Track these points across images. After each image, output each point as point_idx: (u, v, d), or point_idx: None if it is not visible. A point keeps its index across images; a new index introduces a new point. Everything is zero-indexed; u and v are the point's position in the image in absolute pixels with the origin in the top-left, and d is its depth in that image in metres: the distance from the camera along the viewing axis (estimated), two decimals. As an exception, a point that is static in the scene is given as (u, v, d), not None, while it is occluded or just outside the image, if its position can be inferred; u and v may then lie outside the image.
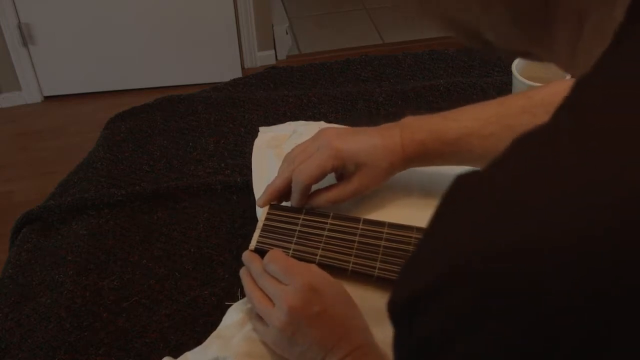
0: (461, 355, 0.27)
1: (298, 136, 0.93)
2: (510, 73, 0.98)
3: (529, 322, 0.25)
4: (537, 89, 0.79)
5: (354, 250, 0.74)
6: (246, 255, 0.74)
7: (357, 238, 0.75)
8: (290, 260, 0.70)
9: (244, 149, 1.00)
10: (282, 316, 0.65)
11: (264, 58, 2.83)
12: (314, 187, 0.79)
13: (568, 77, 0.96)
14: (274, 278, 0.69)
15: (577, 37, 0.33)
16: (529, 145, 0.28)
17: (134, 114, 1.11)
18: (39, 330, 0.79)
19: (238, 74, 2.68)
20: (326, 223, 0.77)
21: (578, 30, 0.33)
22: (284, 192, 0.79)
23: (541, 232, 0.25)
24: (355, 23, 3.10)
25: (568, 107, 0.29)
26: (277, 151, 0.91)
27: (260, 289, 0.69)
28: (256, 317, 0.70)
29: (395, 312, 0.30)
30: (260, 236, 0.77)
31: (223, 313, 0.75)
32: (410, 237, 0.74)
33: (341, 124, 0.98)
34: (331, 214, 0.77)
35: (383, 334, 0.67)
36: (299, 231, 0.76)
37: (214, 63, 2.71)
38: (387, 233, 0.75)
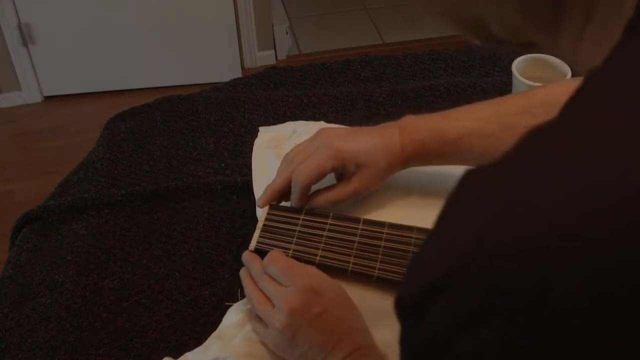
0: (466, 352, 0.27)
1: (298, 136, 0.93)
2: (510, 73, 0.98)
3: (533, 321, 0.25)
4: (537, 89, 0.79)
5: (354, 251, 0.74)
6: (246, 256, 0.74)
7: (357, 238, 0.75)
8: (290, 262, 0.70)
9: (244, 149, 1.00)
10: (282, 317, 0.65)
11: (264, 58, 2.83)
12: (314, 187, 0.79)
13: (568, 77, 0.96)
14: (274, 279, 0.69)
15: (582, 29, 0.33)
16: (535, 143, 0.28)
17: (134, 114, 1.11)
18: (39, 330, 0.79)
19: (238, 74, 2.68)
20: (326, 223, 0.77)
21: (584, 23, 0.32)
22: (284, 193, 0.79)
23: (546, 233, 0.25)
24: (355, 23, 3.10)
25: (575, 104, 0.29)
26: (277, 151, 0.91)
27: (261, 290, 0.69)
28: (256, 318, 0.70)
29: (402, 309, 0.30)
30: (260, 236, 0.77)
31: (223, 313, 0.75)
32: (410, 237, 0.74)
33: (341, 124, 0.98)
34: (331, 214, 0.77)
35: (382, 334, 0.67)
36: (299, 231, 0.76)
37: (214, 63, 2.71)
38: (387, 233, 0.75)
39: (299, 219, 0.77)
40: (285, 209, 0.79)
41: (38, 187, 2.23)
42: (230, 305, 0.76)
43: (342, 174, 0.79)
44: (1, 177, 2.37)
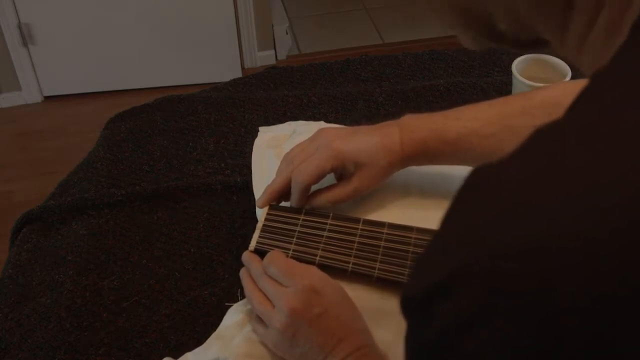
0: (469, 352, 0.27)
1: (298, 136, 0.93)
2: (510, 73, 0.98)
3: (534, 321, 0.25)
4: (538, 91, 0.79)
5: (354, 251, 0.74)
6: (246, 256, 0.74)
7: (356, 238, 0.75)
8: (290, 262, 0.70)
9: (244, 149, 1.00)
10: (282, 318, 0.65)
11: (264, 58, 2.83)
12: (314, 188, 0.79)
13: (568, 77, 0.96)
14: (274, 280, 0.69)
15: (589, 27, 0.33)
16: (540, 143, 0.28)
17: (134, 114, 1.11)
18: (39, 330, 0.79)
19: (238, 74, 2.68)
20: (326, 223, 0.77)
21: (592, 20, 0.32)
22: (284, 193, 0.79)
23: (547, 233, 0.25)
24: (355, 23, 3.10)
25: (581, 104, 0.29)
26: (277, 151, 0.91)
27: (261, 291, 0.69)
28: (256, 318, 0.70)
29: (408, 308, 0.30)
30: (260, 237, 0.77)
31: (223, 313, 0.75)
32: (410, 237, 0.74)
33: (341, 124, 0.98)
34: (331, 215, 0.77)
35: (382, 334, 0.67)
36: (299, 232, 0.76)
37: (214, 63, 2.71)
38: (387, 233, 0.75)
39: (298, 219, 0.77)
40: (285, 209, 0.79)
41: (38, 187, 2.23)
42: (230, 306, 0.76)
43: (342, 173, 0.79)
44: (1, 177, 2.37)
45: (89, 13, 2.55)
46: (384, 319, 0.69)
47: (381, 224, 0.76)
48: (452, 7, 0.38)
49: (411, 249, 0.73)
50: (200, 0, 2.57)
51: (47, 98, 2.73)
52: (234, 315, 0.74)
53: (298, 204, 0.78)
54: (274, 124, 0.99)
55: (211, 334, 0.73)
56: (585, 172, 0.26)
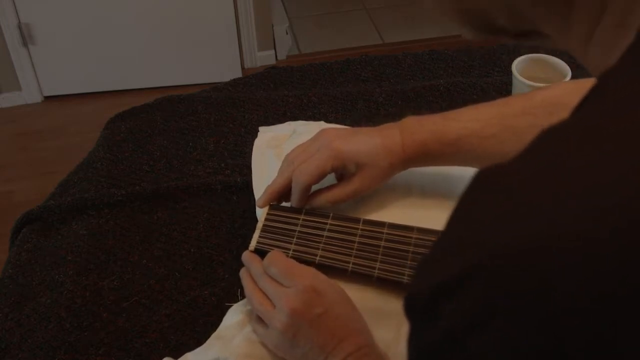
0: (472, 353, 0.27)
1: (298, 136, 0.93)
2: (510, 73, 0.98)
3: (534, 322, 0.25)
4: (538, 91, 0.79)
5: (354, 251, 0.74)
6: (246, 256, 0.74)
7: (357, 238, 0.75)
8: (290, 262, 0.70)
9: (244, 149, 1.00)
10: (283, 318, 0.65)
11: (264, 58, 2.83)
12: (314, 188, 0.79)
13: (568, 77, 0.96)
14: (274, 280, 0.69)
15: (595, 25, 0.33)
16: (546, 144, 0.28)
17: (134, 114, 1.11)
18: (39, 330, 0.79)
19: (238, 74, 2.68)
20: (326, 223, 0.77)
21: (597, 18, 0.32)
22: (284, 193, 0.79)
23: (547, 233, 0.25)
24: (355, 23, 3.10)
25: (587, 105, 0.29)
26: (277, 151, 0.91)
27: (261, 291, 0.69)
28: (256, 319, 0.70)
29: (412, 309, 0.31)
30: (260, 237, 0.77)
31: (223, 313, 0.75)
32: (410, 237, 0.74)
33: (341, 124, 0.98)
34: (331, 215, 0.77)
35: (382, 334, 0.67)
36: (299, 231, 0.76)
37: (214, 63, 2.71)
38: (387, 233, 0.75)
39: (299, 219, 0.77)
40: (285, 209, 0.79)
41: (38, 187, 2.23)
42: (230, 306, 0.76)
43: (342, 174, 0.79)
44: (1, 177, 2.37)
45: (89, 13, 2.55)
46: (384, 319, 0.69)
47: (381, 224, 0.76)
48: (451, 2, 0.38)
49: (411, 249, 0.73)
50: (200, 0, 2.57)
51: (47, 98, 2.73)
52: (234, 315, 0.74)
53: (298, 204, 0.78)
54: (274, 124, 0.99)
55: (211, 334, 0.73)
56: (586, 172, 0.26)
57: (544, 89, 0.79)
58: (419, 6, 0.39)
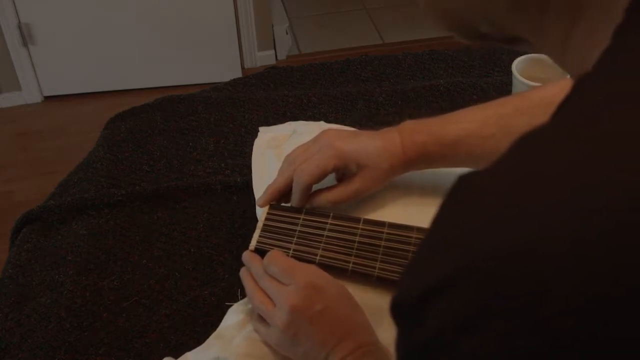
0: (463, 354, 0.27)
1: (298, 136, 0.93)
2: (510, 73, 0.98)
3: (528, 323, 0.25)
4: (535, 90, 0.79)
5: (354, 251, 0.74)
6: (246, 256, 0.74)
7: (357, 238, 0.75)
8: (290, 261, 0.70)
9: (244, 149, 1.00)
10: (283, 316, 0.65)
11: (264, 58, 2.83)
12: (314, 189, 0.79)
13: (568, 77, 0.96)
14: (274, 279, 0.69)
15: (569, 30, 0.33)
16: (527, 147, 0.29)
17: (134, 114, 1.11)
18: (39, 330, 0.79)
19: (238, 74, 2.68)
20: (326, 223, 0.77)
21: (572, 24, 0.33)
22: (285, 192, 0.79)
23: (537, 235, 0.26)
24: (355, 23, 3.10)
25: (566, 108, 0.29)
26: (277, 151, 0.91)
27: (261, 290, 0.69)
28: (257, 318, 0.70)
29: (399, 312, 0.31)
30: (260, 236, 0.77)
31: (223, 313, 0.75)
32: (411, 237, 0.74)
33: (341, 124, 0.98)
34: (331, 214, 0.77)
35: (383, 334, 0.67)
36: (299, 231, 0.76)
37: (214, 63, 2.71)
38: (387, 233, 0.75)
39: (299, 218, 0.77)
40: (285, 208, 0.79)
41: (38, 187, 2.23)
42: (230, 306, 0.76)
43: (343, 174, 0.79)
44: (1, 177, 2.37)
45: (89, 13, 2.55)
46: (384, 319, 0.69)
47: (381, 224, 0.76)
48: (437, 11, 0.39)
49: (412, 248, 0.73)
50: (200, 0, 2.57)
51: (47, 98, 2.73)
52: (235, 315, 0.74)
53: (299, 203, 0.78)
54: (274, 124, 0.99)
55: (211, 334, 0.73)
56: (570, 174, 0.26)
57: (541, 88, 0.79)
58: (418, 6, 0.40)
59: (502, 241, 0.26)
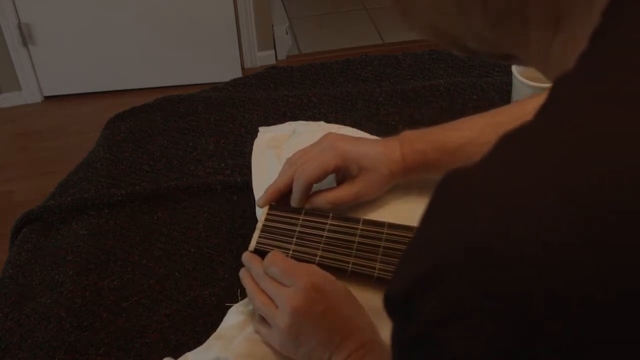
0: (447, 349, 0.28)
1: (298, 136, 0.93)
2: (510, 73, 0.98)
3: (512, 323, 0.26)
4: (532, 99, 0.80)
5: (354, 251, 0.74)
6: (246, 257, 0.74)
7: (356, 238, 0.75)
8: (290, 262, 0.70)
9: (244, 149, 1.00)
10: (286, 318, 0.65)
11: (264, 58, 2.83)
12: (315, 190, 0.79)
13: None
14: (275, 280, 0.69)
15: (550, 42, 0.34)
16: (511, 146, 0.29)
17: (134, 114, 1.11)
18: (39, 330, 0.79)
19: (238, 74, 2.68)
20: (326, 224, 0.77)
21: (552, 35, 0.34)
22: (285, 193, 0.79)
23: (521, 235, 0.26)
24: (355, 23, 3.10)
25: (545, 110, 0.30)
26: (277, 151, 0.91)
27: (262, 291, 0.69)
28: (259, 319, 0.70)
29: (390, 307, 0.32)
30: (259, 237, 0.77)
31: (223, 313, 0.75)
32: (410, 237, 0.74)
33: (341, 124, 0.98)
34: (331, 215, 0.77)
35: (383, 334, 0.67)
36: (299, 232, 0.76)
37: (214, 63, 2.71)
38: (387, 233, 0.75)
39: (298, 219, 0.77)
40: (284, 209, 0.79)
41: (38, 187, 2.23)
42: (230, 306, 0.76)
43: (344, 176, 0.80)
44: (1, 177, 2.37)
45: (89, 13, 2.55)
46: (384, 319, 0.68)
47: (381, 224, 0.76)
48: (423, 27, 0.40)
49: (411, 249, 0.73)
50: (200, 0, 2.57)
51: (47, 98, 2.73)
52: (235, 315, 0.74)
53: (299, 203, 0.78)
54: (274, 124, 0.99)
55: (211, 334, 0.73)
56: (552, 177, 0.26)
57: (537, 98, 0.80)
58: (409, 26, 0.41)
59: (485, 239, 0.27)
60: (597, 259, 0.25)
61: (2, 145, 2.53)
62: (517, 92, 0.98)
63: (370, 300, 0.71)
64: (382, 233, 0.75)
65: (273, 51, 2.86)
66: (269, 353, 0.69)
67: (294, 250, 0.75)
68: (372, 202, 0.82)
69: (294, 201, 0.78)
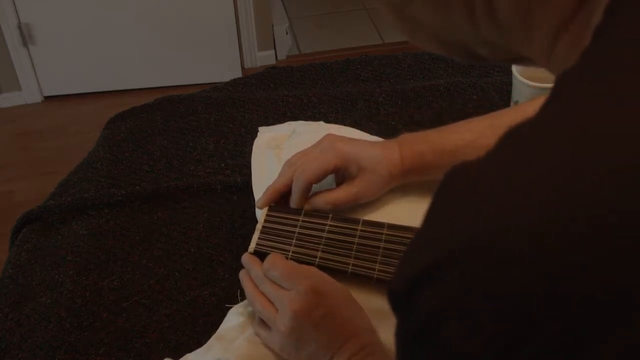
0: (446, 342, 0.28)
1: (298, 136, 0.93)
2: (510, 73, 0.98)
3: (510, 322, 0.26)
4: (531, 102, 0.81)
5: (354, 252, 0.74)
6: (246, 258, 0.74)
7: (356, 240, 0.75)
8: (290, 265, 0.70)
9: (244, 149, 1.00)
10: (286, 321, 0.64)
11: (264, 58, 2.83)
12: (314, 191, 0.79)
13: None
14: (275, 283, 0.69)
15: (555, 44, 0.34)
16: (512, 143, 0.29)
17: (134, 114, 1.11)
18: (39, 330, 0.79)
19: (238, 74, 2.68)
20: (325, 225, 0.77)
21: (557, 38, 0.34)
22: (284, 193, 0.79)
23: (516, 233, 0.26)
24: (355, 23, 3.10)
25: (547, 106, 0.30)
26: (277, 151, 0.91)
27: (262, 294, 0.69)
28: (259, 322, 0.70)
29: (393, 301, 0.32)
30: (259, 238, 0.77)
31: (223, 313, 0.75)
32: (410, 238, 0.74)
33: (341, 124, 0.98)
34: (330, 216, 0.77)
35: (384, 335, 0.67)
36: (298, 233, 0.76)
37: (214, 63, 2.71)
38: (387, 234, 0.75)
39: (298, 220, 0.77)
40: (284, 210, 0.79)
41: (38, 187, 2.23)
42: (230, 307, 0.76)
43: (343, 177, 0.80)
44: (1, 177, 2.37)
45: (89, 13, 2.55)
46: (384, 320, 0.69)
47: (381, 225, 0.76)
48: (431, 39, 0.41)
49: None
50: (200, 0, 2.57)
51: (47, 98, 2.73)
52: (235, 317, 0.74)
53: (298, 203, 0.78)
54: (274, 124, 0.99)
55: (211, 334, 0.73)
56: (553, 176, 0.26)
57: (536, 101, 0.80)
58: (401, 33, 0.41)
59: (485, 236, 0.27)
60: (598, 259, 0.25)
61: (2, 145, 2.53)
62: (517, 92, 0.98)
63: (370, 301, 0.71)
64: (382, 234, 0.75)
65: (273, 51, 2.86)
66: (269, 355, 0.69)
67: (293, 252, 0.75)
68: (372, 203, 0.82)
69: (294, 202, 0.78)
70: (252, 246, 0.76)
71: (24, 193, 2.28)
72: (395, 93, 1.09)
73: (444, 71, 1.17)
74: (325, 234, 0.76)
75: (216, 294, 0.80)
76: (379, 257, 0.73)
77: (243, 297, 0.75)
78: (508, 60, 0.40)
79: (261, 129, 0.96)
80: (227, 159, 1.00)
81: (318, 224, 0.77)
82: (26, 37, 2.57)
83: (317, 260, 0.74)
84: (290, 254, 0.74)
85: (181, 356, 0.71)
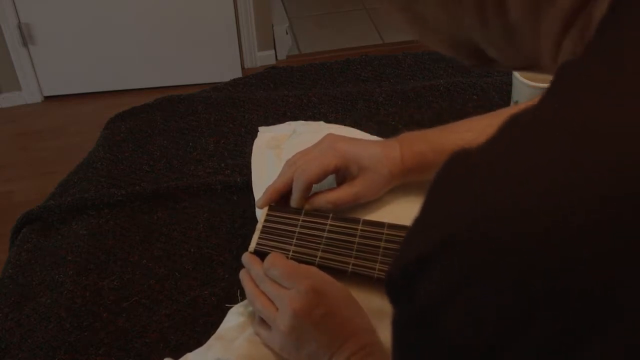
0: (446, 327, 0.28)
1: (298, 136, 0.93)
2: (510, 73, 0.98)
3: (506, 310, 0.26)
4: (530, 102, 0.81)
5: (354, 252, 0.74)
6: (246, 258, 0.74)
7: (356, 239, 0.75)
8: (290, 264, 0.70)
9: (244, 149, 1.00)
10: (286, 320, 0.65)
11: (264, 58, 2.83)
12: (314, 191, 0.79)
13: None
14: (275, 282, 0.69)
15: (560, 42, 0.34)
16: (512, 132, 0.29)
17: (134, 114, 1.11)
18: (39, 330, 0.79)
19: (238, 74, 2.68)
20: (325, 224, 0.77)
21: (562, 36, 0.34)
22: (284, 193, 0.79)
23: (512, 222, 0.26)
24: (355, 23, 3.10)
25: (546, 97, 0.30)
26: (277, 151, 0.91)
27: (262, 293, 0.69)
28: (259, 322, 0.70)
29: (390, 287, 0.32)
30: (259, 238, 0.77)
31: (223, 313, 0.75)
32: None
33: (341, 124, 0.98)
34: (330, 215, 0.77)
35: (384, 334, 0.67)
36: (299, 232, 0.76)
37: (214, 63, 2.71)
38: (387, 234, 0.75)
39: (298, 220, 0.77)
40: (284, 210, 0.79)
41: (38, 187, 2.23)
42: (230, 307, 0.76)
43: (343, 177, 0.80)
44: (1, 177, 2.37)
45: (89, 13, 2.55)
46: (384, 320, 0.69)
47: (381, 225, 0.76)
48: (442, 42, 0.40)
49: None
50: (200, 0, 2.57)
51: (47, 98, 2.73)
52: (235, 316, 0.74)
53: (298, 203, 0.78)
54: (274, 124, 0.99)
55: (211, 334, 0.73)
56: (552, 168, 0.26)
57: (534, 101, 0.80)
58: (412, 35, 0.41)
59: (481, 223, 0.27)
60: (597, 253, 0.25)
61: (2, 145, 2.53)
62: (517, 92, 0.98)
63: (370, 301, 0.71)
64: (382, 234, 0.75)
65: (273, 51, 2.86)
66: (269, 355, 0.69)
67: (293, 251, 0.75)
68: (372, 202, 0.82)
69: (294, 202, 0.78)
70: (253, 246, 0.76)
71: (24, 193, 2.28)
72: (395, 93, 1.09)
73: (444, 71, 1.17)
74: (325, 234, 0.76)
75: (216, 294, 0.80)
76: (379, 257, 0.73)
77: (243, 297, 0.75)
78: (516, 65, 0.40)
79: (261, 129, 0.96)
80: (227, 159, 1.00)
81: (318, 223, 0.77)
82: (26, 37, 2.57)
83: (318, 259, 0.74)
84: (290, 253, 0.74)
85: (181, 356, 0.71)
